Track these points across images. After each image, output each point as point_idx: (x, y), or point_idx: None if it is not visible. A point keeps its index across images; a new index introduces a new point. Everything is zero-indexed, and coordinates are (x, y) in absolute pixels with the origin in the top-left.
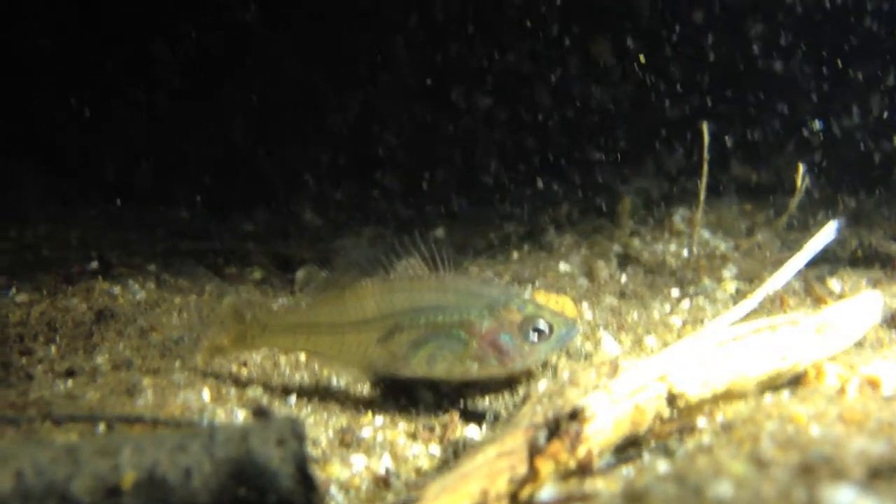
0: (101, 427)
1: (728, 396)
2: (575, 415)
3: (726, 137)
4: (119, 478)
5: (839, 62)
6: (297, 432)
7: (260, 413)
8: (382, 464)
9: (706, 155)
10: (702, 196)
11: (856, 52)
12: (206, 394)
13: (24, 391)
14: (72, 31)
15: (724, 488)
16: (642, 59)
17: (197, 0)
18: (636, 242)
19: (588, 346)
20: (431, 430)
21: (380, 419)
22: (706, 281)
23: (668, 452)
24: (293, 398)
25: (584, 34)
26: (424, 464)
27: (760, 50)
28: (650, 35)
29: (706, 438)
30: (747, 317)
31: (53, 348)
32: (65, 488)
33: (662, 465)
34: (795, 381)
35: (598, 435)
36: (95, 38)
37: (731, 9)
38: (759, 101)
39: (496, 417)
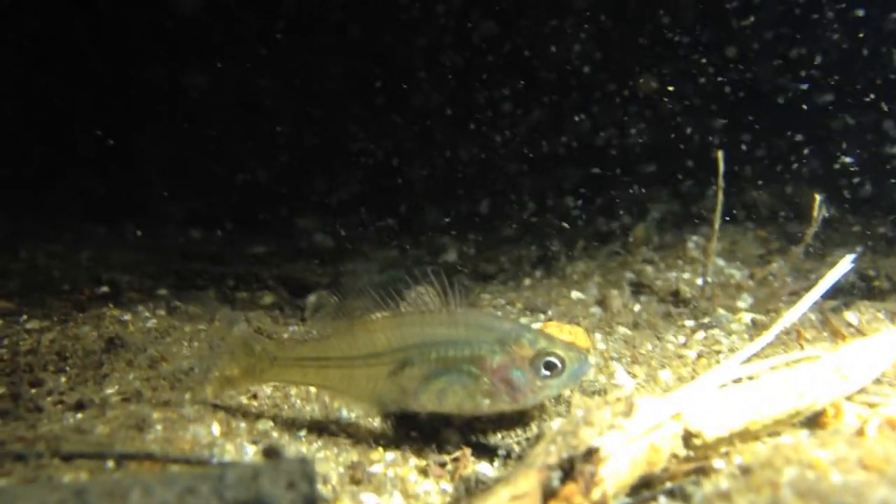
0: (111, 463)
1: (745, 435)
2: (589, 455)
3: (746, 165)
4: None
5: (870, 95)
6: (307, 474)
7: (271, 453)
8: (393, 502)
9: (721, 183)
10: (716, 224)
11: (888, 85)
12: (216, 428)
13: (33, 424)
14: (94, 54)
15: None
16: (670, 89)
17: (223, 29)
18: (649, 270)
19: (601, 379)
20: (443, 465)
21: (390, 455)
22: (721, 311)
23: (684, 496)
24: (303, 432)
25: (606, 62)
26: (436, 501)
27: (785, 78)
28: (675, 63)
29: (724, 482)
30: (763, 351)
31: (63, 378)
32: None
33: None
34: (813, 420)
35: (613, 476)
36: (118, 61)
37: (761, 39)
38: (782, 130)
39: (508, 453)
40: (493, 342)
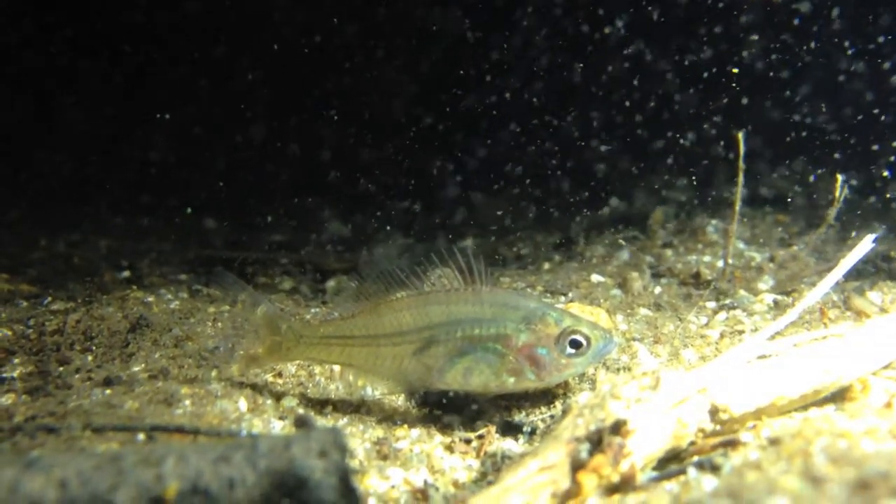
0: (142, 436)
1: (771, 410)
2: (617, 428)
3: (763, 147)
4: (163, 488)
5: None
6: (339, 443)
7: (302, 423)
8: (420, 476)
9: (742, 165)
10: (737, 206)
11: None
12: (243, 403)
13: (63, 400)
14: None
15: None
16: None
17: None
18: (669, 253)
19: (624, 359)
20: (468, 442)
21: (416, 431)
22: (742, 292)
23: (713, 468)
24: (328, 409)
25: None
26: (462, 476)
27: (802, 62)
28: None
29: (753, 453)
30: (787, 330)
31: (90, 357)
32: (109, 499)
33: (709, 481)
34: (840, 395)
35: (641, 449)
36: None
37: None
38: (799, 111)
39: (533, 430)
40: (519, 320)
